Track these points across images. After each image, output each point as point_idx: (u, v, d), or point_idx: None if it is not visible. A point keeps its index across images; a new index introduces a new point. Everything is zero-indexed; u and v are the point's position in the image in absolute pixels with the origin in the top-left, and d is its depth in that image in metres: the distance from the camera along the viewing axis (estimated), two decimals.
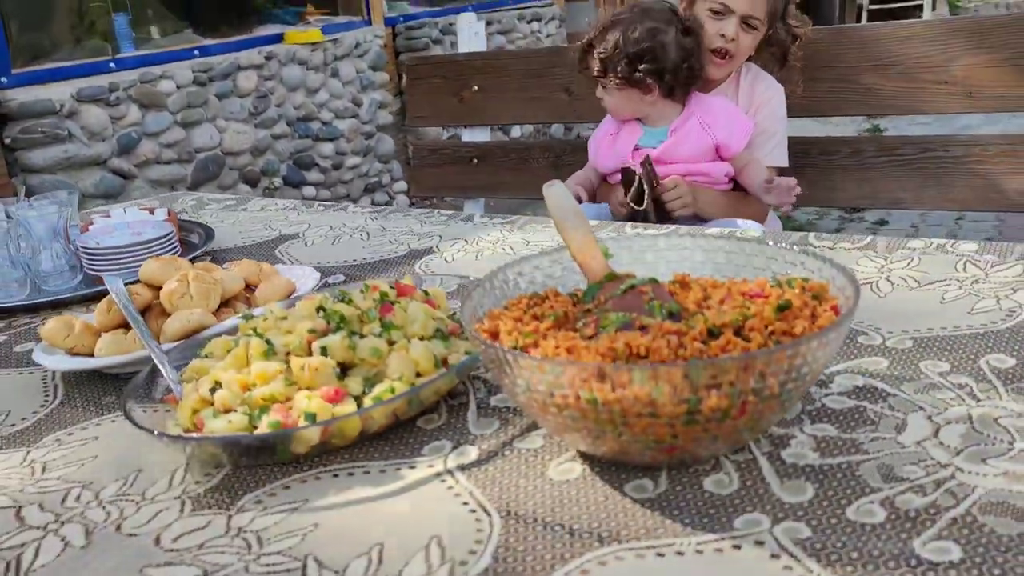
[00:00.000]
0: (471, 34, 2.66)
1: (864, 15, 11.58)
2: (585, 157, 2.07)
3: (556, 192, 0.86)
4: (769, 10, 1.84)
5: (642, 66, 1.72)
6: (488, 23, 5.96)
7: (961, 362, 0.81)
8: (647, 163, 1.70)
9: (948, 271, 1.04)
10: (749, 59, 1.92)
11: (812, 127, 2.10)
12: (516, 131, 5.83)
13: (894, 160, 2.03)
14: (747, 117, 1.82)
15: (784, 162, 1.93)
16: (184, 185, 4.08)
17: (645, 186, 1.66)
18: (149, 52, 4.17)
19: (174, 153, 4.02)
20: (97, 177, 3.71)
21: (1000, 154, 1.92)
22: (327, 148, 4.82)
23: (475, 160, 2.61)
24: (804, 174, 2.08)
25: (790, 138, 1.97)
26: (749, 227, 1.66)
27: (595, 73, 1.81)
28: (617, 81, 1.76)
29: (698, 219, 1.79)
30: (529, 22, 6.38)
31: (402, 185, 5.31)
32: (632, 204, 1.68)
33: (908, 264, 1.07)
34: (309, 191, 4.76)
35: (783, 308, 0.67)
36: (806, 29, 1.92)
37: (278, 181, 4.55)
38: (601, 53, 1.77)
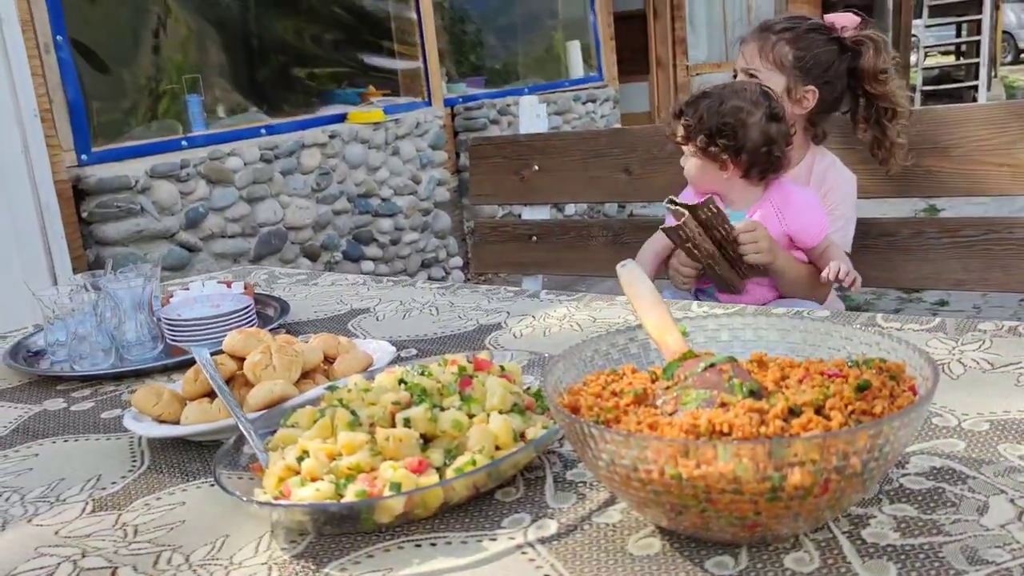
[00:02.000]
0: (532, 116, 2.74)
1: (918, 96, 11.60)
2: (644, 236, 2.09)
3: (630, 271, 0.89)
4: (787, 61, 1.83)
5: (720, 141, 1.72)
6: (544, 104, 6.10)
7: None
8: (711, 203, 1.66)
9: (1021, 354, 1.04)
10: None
11: (867, 207, 2.09)
12: (570, 208, 5.90)
13: (957, 242, 2.02)
14: (825, 215, 1.80)
15: (847, 246, 1.92)
16: (247, 258, 4.19)
17: (717, 229, 1.64)
18: (219, 131, 4.34)
19: (238, 227, 4.14)
20: (165, 250, 3.83)
21: None
22: (386, 224, 4.93)
23: (534, 237, 2.66)
24: (863, 256, 2.08)
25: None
26: (813, 308, 1.66)
27: (678, 139, 1.81)
28: (695, 151, 1.78)
29: (766, 276, 1.78)
30: (584, 103, 6.51)
31: (457, 261, 5.39)
32: (676, 220, 1.65)
33: (980, 346, 1.07)
34: (368, 266, 4.85)
35: (863, 388, 0.68)
36: (898, 101, 1.87)
37: (338, 256, 4.65)
38: (686, 121, 1.77)
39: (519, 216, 2.77)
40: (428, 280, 1.69)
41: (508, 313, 1.41)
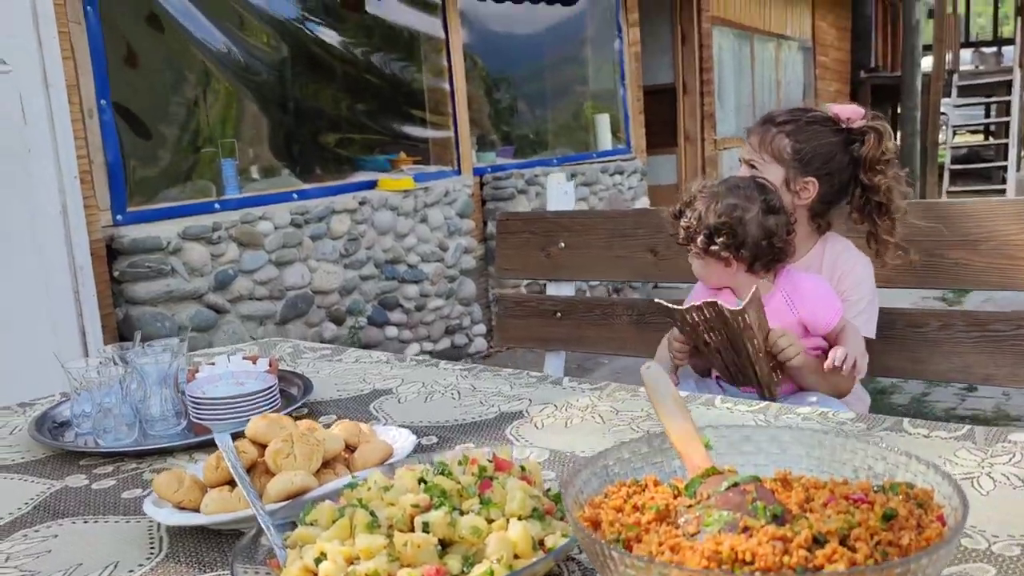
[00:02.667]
0: (560, 193, 2.76)
1: (946, 174, 11.60)
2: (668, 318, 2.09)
3: (654, 376, 0.89)
4: (786, 153, 1.83)
5: (719, 240, 1.72)
6: (572, 175, 6.17)
7: None
8: (712, 305, 1.65)
9: None
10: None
11: (890, 295, 2.07)
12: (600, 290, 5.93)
13: (986, 336, 2.00)
14: (838, 298, 1.79)
15: (870, 333, 1.90)
16: (273, 321, 4.22)
17: (707, 335, 1.64)
18: (252, 194, 4.42)
19: (266, 290, 4.19)
20: (193, 311, 3.88)
21: None
22: (412, 290, 4.96)
23: (559, 314, 2.66)
24: (890, 346, 2.07)
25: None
26: (838, 408, 1.63)
27: (680, 241, 1.83)
28: (697, 251, 1.79)
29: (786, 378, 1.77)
30: (612, 175, 6.57)
31: (481, 328, 5.40)
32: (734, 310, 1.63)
33: (1010, 459, 1.05)
34: (392, 331, 4.87)
35: (889, 517, 0.67)
36: (895, 200, 1.85)
37: (363, 321, 4.68)
38: (685, 223, 1.78)
39: (543, 288, 2.78)
40: (450, 362, 1.69)
41: (530, 401, 1.41)
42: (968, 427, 1.16)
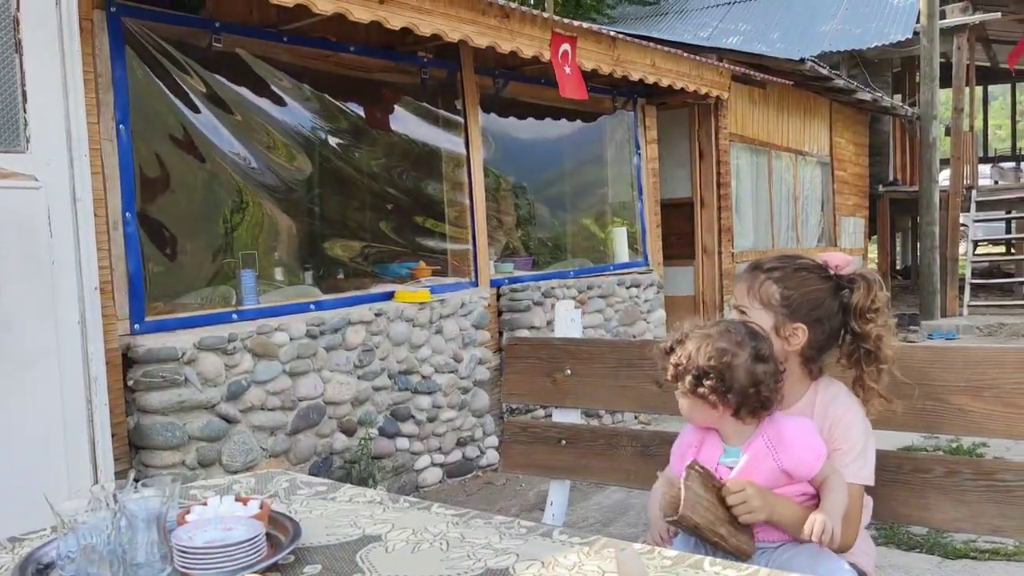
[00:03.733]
0: (567, 320, 2.78)
1: (967, 287, 11.56)
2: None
3: (628, 559, 0.88)
4: (774, 300, 1.84)
5: (707, 383, 1.72)
6: (589, 287, 6.22)
7: None
8: (695, 467, 1.66)
9: None
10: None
11: (891, 437, 2.04)
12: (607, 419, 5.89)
13: (994, 485, 1.97)
14: (821, 442, 1.77)
15: (867, 480, 1.85)
16: (284, 431, 4.22)
17: (683, 493, 1.62)
18: (269, 305, 4.48)
19: (278, 400, 4.20)
20: (204, 421, 3.89)
21: None
22: (424, 401, 4.96)
23: (563, 441, 2.65)
24: (896, 491, 2.03)
25: (882, 451, 1.93)
26: (836, 565, 1.60)
27: (667, 378, 1.82)
28: (685, 390, 1.78)
29: (773, 528, 1.74)
30: (628, 287, 6.61)
31: (493, 440, 5.37)
32: (668, 520, 1.64)
33: None
34: (403, 443, 4.85)
35: None
36: (884, 349, 1.84)
37: (374, 432, 4.66)
38: (675, 360, 1.78)
39: (550, 415, 2.78)
40: (443, 505, 1.69)
41: (517, 556, 1.39)
42: None
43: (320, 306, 4.63)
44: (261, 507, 1.52)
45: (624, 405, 2.59)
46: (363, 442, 4.56)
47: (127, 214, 3.90)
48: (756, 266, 1.95)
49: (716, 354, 1.72)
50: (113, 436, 3.73)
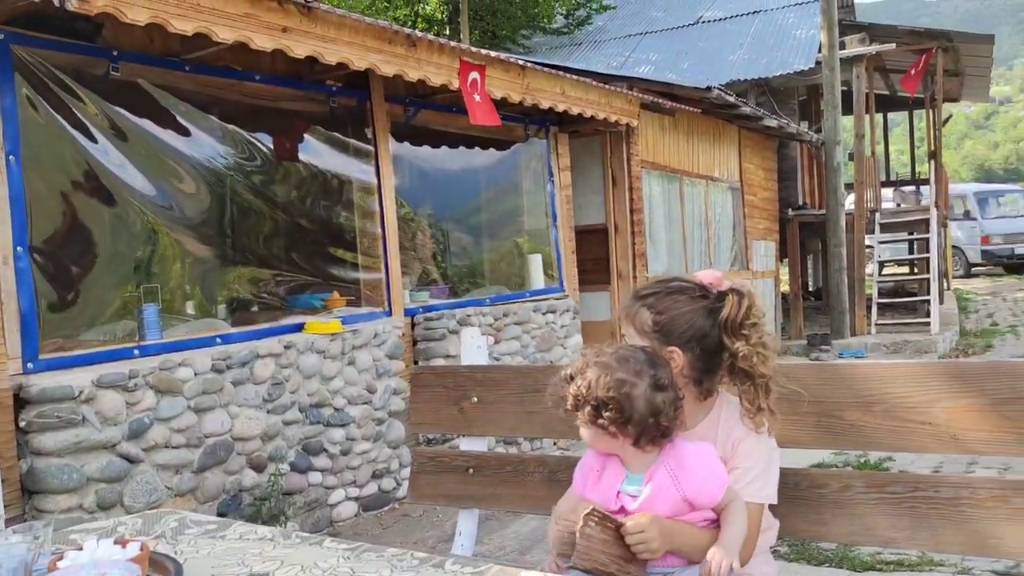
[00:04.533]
0: (473, 347, 2.76)
1: (874, 307, 11.93)
2: None
3: None
4: (647, 327, 1.85)
5: (606, 413, 1.70)
6: (504, 314, 6.21)
7: None
8: (593, 515, 1.63)
9: None
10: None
11: (801, 456, 2.07)
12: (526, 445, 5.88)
13: (885, 498, 2.01)
14: (722, 468, 1.77)
15: (768, 499, 1.86)
16: (190, 470, 4.09)
17: (578, 540, 1.60)
18: (173, 340, 4.35)
19: (184, 438, 4.07)
20: (104, 461, 3.74)
21: (991, 499, 1.90)
22: (337, 434, 4.87)
23: (471, 470, 2.62)
24: (796, 508, 2.06)
25: (782, 469, 1.95)
26: None
27: (567, 407, 1.79)
28: (584, 420, 1.75)
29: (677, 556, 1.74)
30: (544, 313, 6.63)
31: (408, 473, 5.29)
32: (557, 560, 1.64)
33: None
34: (315, 477, 4.74)
35: None
36: (757, 367, 1.82)
37: (285, 467, 4.55)
38: (574, 390, 1.75)
39: (458, 446, 2.75)
40: (336, 539, 1.64)
41: None
42: None
43: (227, 339, 4.51)
44: (141, 549, 1.45)
45: (530, 431, 2.57)
46: (273, 478, 4.44)
47: (19, 248, 3.75)
48: (635, 295, 1.96)
49: (615, 385, 1.70)
50: (4, 481, 3.56)
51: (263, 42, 4.02)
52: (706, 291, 1.89)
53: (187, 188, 4.90)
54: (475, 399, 2.62)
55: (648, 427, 1.70)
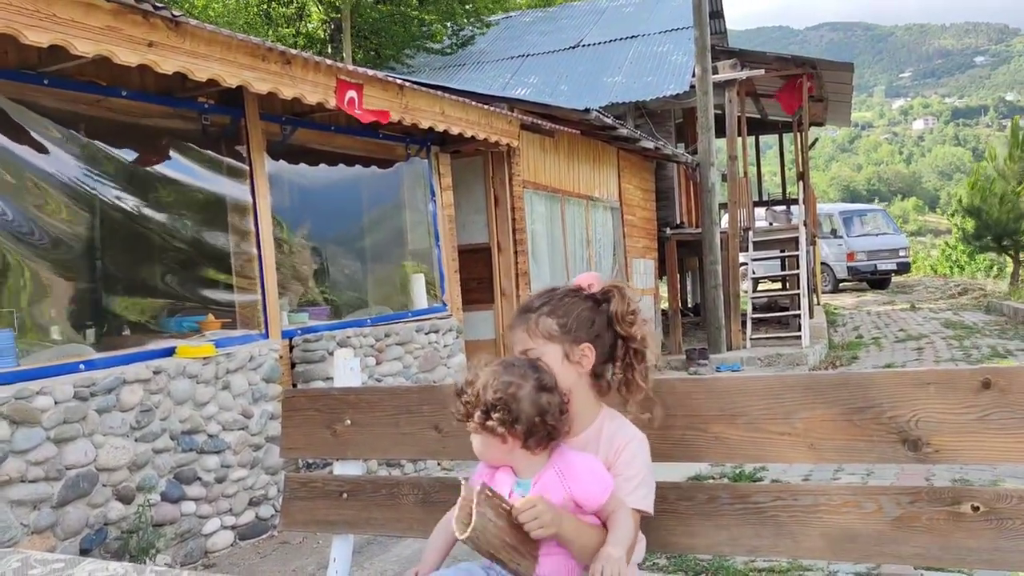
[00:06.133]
0: (346, 369, 2.71)
1: (749, 322, 12.36)
2: (455, 496, 2.05)
3: None
4: (553, 331, 1.92)
5: (495, 415, 1.78)
6: (386, 335, 6.15)
7: None
8: (485, 491, 1.69)
9: None
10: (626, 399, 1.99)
11: (675, 469, 2.13)
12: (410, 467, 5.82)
13: (747, 507, 2.07)
14: (608, 475, 1.85)
15: (646, 507, 1.93)
16: (49, 504, 3.87)
17: (474, 516, 1.64)
18: (31, 367, 4.11)
19: (42, 471, 3.85)
20: None
21: (845, 505, 1.98)
22: (212, 461, 4.70)
23: (345, 494, 2.57)
24: (666, 520, 2.10)
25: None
26: None
27: (458, 417, 1.87)
28: (475, 426, 1.81)
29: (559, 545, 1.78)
30: (427, 333, 6.60)
31: None
32: (461, 538, 1.67)
33: None
34: (189, 506, 4.56)
35: None
36: (647, 343, 1.96)
37: (155, 498, 4.36)
38: (465, 399, 1.84)
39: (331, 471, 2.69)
40: (199, 570, 1.57)
41: None
42: None
43: (91, 365, 4.30)
44: None
45: (405, 453, 2.54)
46: (141, 509, 4.25)
47: None
48: (525, 308, 2.02)
49: (502, 387, 1.79)
50: None
51: (128, 57, 3.87)
52: (588, 292, 2.00)
53: (48, 208, 4.66)
54: (348, 422, 2.58)
55: (535, 426, 1.78)
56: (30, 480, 3.81)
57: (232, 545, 4.82)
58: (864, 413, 1.97)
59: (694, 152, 12.99)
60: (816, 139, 19.71)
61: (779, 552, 2.05)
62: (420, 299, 6.96)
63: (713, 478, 5.36)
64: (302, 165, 6.31)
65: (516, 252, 8.16)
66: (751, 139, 18.01)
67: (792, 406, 2.04)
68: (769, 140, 22.84)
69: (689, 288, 17.71)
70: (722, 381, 2.15)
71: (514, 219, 8.11)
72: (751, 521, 2.06)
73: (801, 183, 15.25)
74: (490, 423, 1.78)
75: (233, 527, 4.84)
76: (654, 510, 1.98)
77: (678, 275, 13.28)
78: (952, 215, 25.24)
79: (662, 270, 13.25)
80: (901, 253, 21.65)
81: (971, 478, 5.05)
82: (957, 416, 1.90)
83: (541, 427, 1.80)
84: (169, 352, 4.69)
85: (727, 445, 2.10)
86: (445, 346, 6.78)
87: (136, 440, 4.30)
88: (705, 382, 2.16)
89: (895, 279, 22.79)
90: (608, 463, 1.91)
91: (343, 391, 2.66)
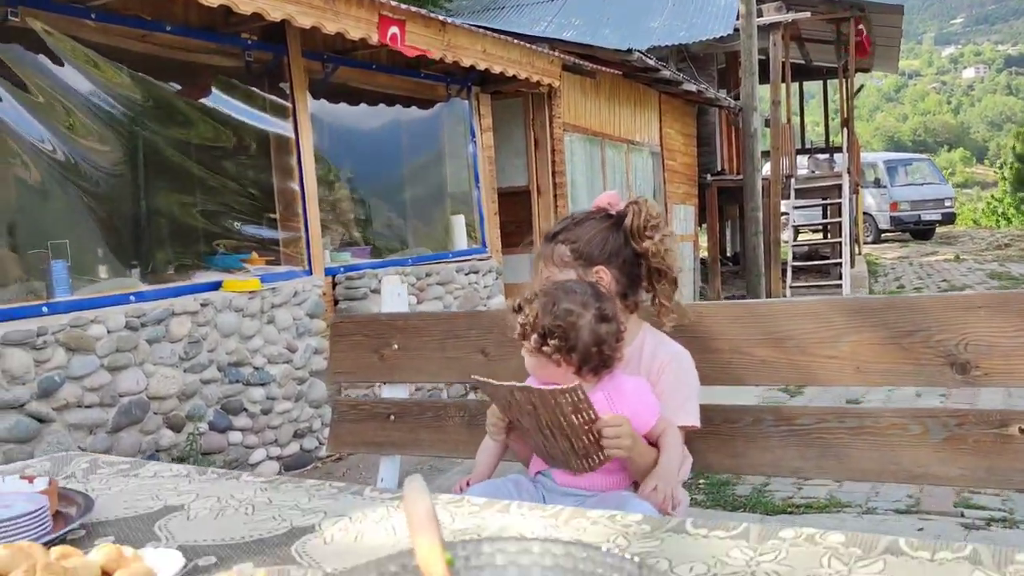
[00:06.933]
0: (393, 295, 2.75)
1: (789, 270, 12.27)
2: None
3: (413, 492, 0.87)
4: (567, 258, 1.91)
5: (552, 341, 1.75)
6: (427, 274, 6.20)
7: None
8: (578, 390, 1.66)
9: (813, 565, 1.05)
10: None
11: (726, 393, 2.14)
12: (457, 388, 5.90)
13: (793, 430, 2.08)
14: (655, 400, 1.84)
15: (693, 422, 1.94)
16: (104, 429, 3.99)
17: (581, 414, 1.64)
18: (84, 297, 4.22)
19: (97, 397, 3.97)
20: (11, 421, 3.62)
21: (891, 427, 1.99)
22: (257, 393, 4.80)
23: (392, 416, 2.62)
24: (709, 442, 2.12)
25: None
26: (640, 509, 1.65)
27: (515, 335, 1.84)
28: (531, 349, 1.80)
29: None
30: (467, 274, 6.64)
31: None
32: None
33: (776, 557, 1.08)
34: (236, 436, 4.68)
35: None
36: (668, 260, 1.93)
37: (203, 427, 4.48)
38: (521, 319, 1.81)
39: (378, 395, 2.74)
40: (253, 475, 1.63)
41: (325, 514, 1.36)
42: (745, 525, 1.19)
43: (141, 297, 4.40)
44: (49, 484, 1.42)
45: (451, 377, 2.58)
46: (191, 437, 4.37)
47: None
48: (545, 237, 2.01)
49: (562, 314, 1.75)
50: None
51: None
52: (607, 212, 1.97)
53: (96, 143, 4.73)
54: (396, 346, 2.62)
55: (591, 356, 1.75)
56: (86, 405, 3.93)
57: (277, 475, 4.95)
58: (912, 336, 1.96)
59: (736, 97, 12.78)
60: (862, 86, 19.29)
61: (823, 473, 2.07)
62: (460, 240, 6.98)
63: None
64: (343, 104, 6.31)
65: (555, 196, 8.13)
66: (795, 87, 17.65)
67: (839, 329, 2.03)
68: (812, 89, 22.34)
69: (728, 237, 17.56)
70: (768, 305, 2.15)
71: (554, 162, 8.07)
72: (795, 443, 2.08)
73: (845, 130, 14.96)
74: (546, 348, 1.76)
75: (278, 458, 4.96)
76: (697, 432, 1.99)
77: (718, 223, 13.17)
78: (1001, 166, 24.65)
79: (702, 217, 13.14)
80: (946, 203, 21.23)
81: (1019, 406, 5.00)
82: (1008, 339, 1.88)
83: (596, 356, 1.78)
84: (216, 286, 4.78)
85: (773, 368, 2.10)
86: (485, 287, 6.82)
87: (185, 371, 4.41)
88: (750, 306, 2.17)
89: (939, 230, 22.37)
90: (652, 380, 1.90)
91: (391, 316, 2.70)
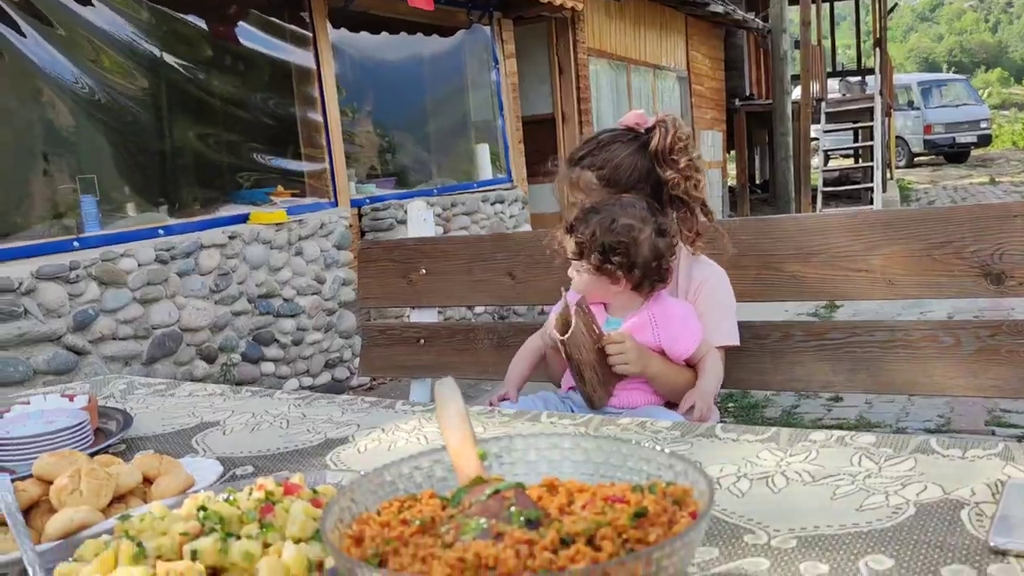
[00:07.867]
0: (420, 220, 2.75)
1: (819, 196, 12.11)
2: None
3: (444, 390, 0.88)
4: (593, 184, 1.85)
5: (615, 258, 1.73)
6: (453, 204, 6.18)
7: (841, 564, 0.81)
8: (582, 305, 1.69)
9: (844, 464, 1.05)
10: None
11: (761, 310, 2.12)
12: (480, 310, 5.92)
13: (823, 344, 2.07)
14: (699, 325, 1.82)
15: (732, 340, 1.93)
16: (139, 361, 4.07)
17: (573, 321, 1.65)
18: (113, 231, 4.26)
19: (131, 329, 4.03)
20: (50, 353, 3.70)
21: (923, 340, 1.97)
22: (288, 324, 4.86)
23: (422, 340, 2.64)
24: (737, 359, 2.12)
25: None
26: (666, 418, 1.65)
27: (570, 255, 1.80)
28: (589, 267, 1.77)
29: (644, 384, 1.79)
30: (493, 204, 6.61)
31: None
32: (559, 337, 1.66)
33: (806, 458, 1.09)
34: (268, 367, 4.75)
35: (639, 515, 0.67)
36: (691, 191, 1.85)
37: (236, 357, 4.55)
38: (578, 238, 1.76)
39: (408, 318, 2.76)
40: (287, 392, 1.66)
41: (358, 426, 1.38)
42: (774, 430, 1.19)
43: (169, 231, 4.44)
44: (89, 401, 1.45)
45: (479, 300, 2.59)
46: (225, 368, 4.45)
47: None
48: (570, 159, 1.93)
49: (623, 230, 1.72)
50: None
51: None
52: (635, 131, 1.90)
53: (120, 78, 4.72)
54: (423, 270, 2.62)
55: (651, 271, 1.74)
56: (120, 338, 4.00)
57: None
58: (945, 248, 1.93)
59: (765, 19, 12.47)
60: (895, 5, 18.72)
61: (854, 387, 2.06)
62: (485, 170, 6.94)
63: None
64: (364, 33, 6.23)
65: (581, 123, 8.04)
66: (825, 7, 17.16)
67: (871, 242, 2.00)
68: (844, 10, 21.74)
69: (757, 164, 17.31)
70: (797, 220, 2.12)
71: (579, 88, 7.95)
72: (826, 358, 2.07)
73: (877, 51, 14.57)
74: (608, 266, 1.73)
75: (311, 387, 5.03)
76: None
77: (747, 149, 12.98)
78: None
79: (730, 143, 12.95)
80: (982, 125, 20.74)
81: None
82: None
83: (656, 272, 1.76)
84: (243, 219, 4.80)
85: (803, 283, 2.08)
86: (511, 216, 6.80)
87: (215, 303, 4.46)
88: (780, 221, 2.14)
89: (974, 153, 21.91)
90: (690, 300, 1.89)
91: (418, 241, 2.71)
